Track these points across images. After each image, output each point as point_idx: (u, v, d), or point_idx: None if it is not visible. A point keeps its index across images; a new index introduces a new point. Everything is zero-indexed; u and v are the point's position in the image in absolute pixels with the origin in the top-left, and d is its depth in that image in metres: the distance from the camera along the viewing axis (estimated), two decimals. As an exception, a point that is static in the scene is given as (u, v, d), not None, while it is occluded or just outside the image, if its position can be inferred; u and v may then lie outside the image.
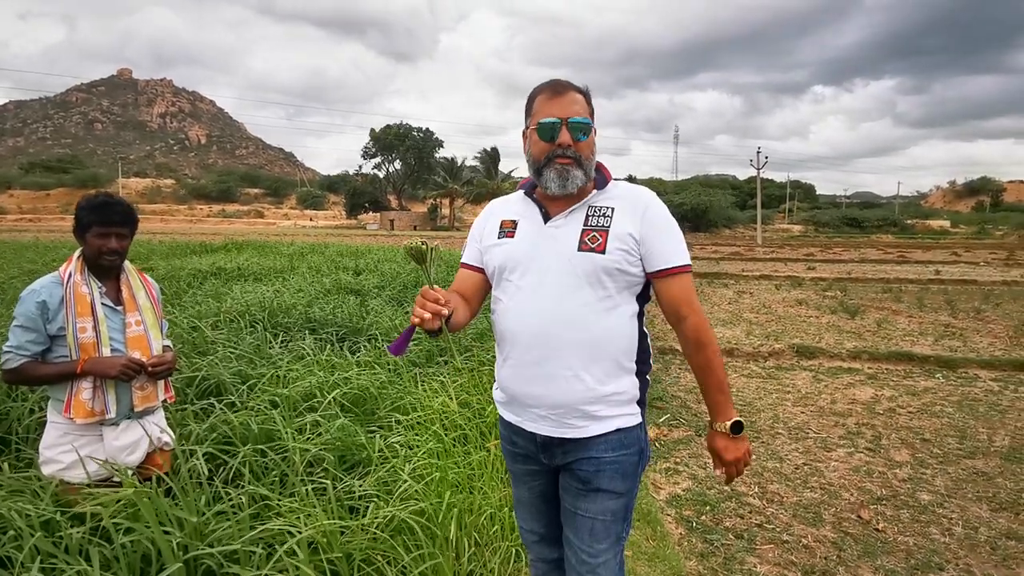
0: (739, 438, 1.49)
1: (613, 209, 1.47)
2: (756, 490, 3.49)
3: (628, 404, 1.52)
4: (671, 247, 1.47)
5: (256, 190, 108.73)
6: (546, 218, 1.51)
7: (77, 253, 2.03)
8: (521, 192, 1.61)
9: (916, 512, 3.19)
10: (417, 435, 2.63)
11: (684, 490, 3.50)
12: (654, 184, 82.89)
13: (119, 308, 2.05)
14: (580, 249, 1.44)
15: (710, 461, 3.89)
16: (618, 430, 1.50)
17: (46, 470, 1.94)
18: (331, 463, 2.28)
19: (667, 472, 3.76)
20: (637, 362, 1.52)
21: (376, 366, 3.70)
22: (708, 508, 3.26)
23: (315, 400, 2.94)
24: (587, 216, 1.48)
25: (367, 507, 2.03)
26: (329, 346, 4.24)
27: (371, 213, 67.79)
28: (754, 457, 3.95)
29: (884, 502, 3.30)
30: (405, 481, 2.13)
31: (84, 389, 1.91)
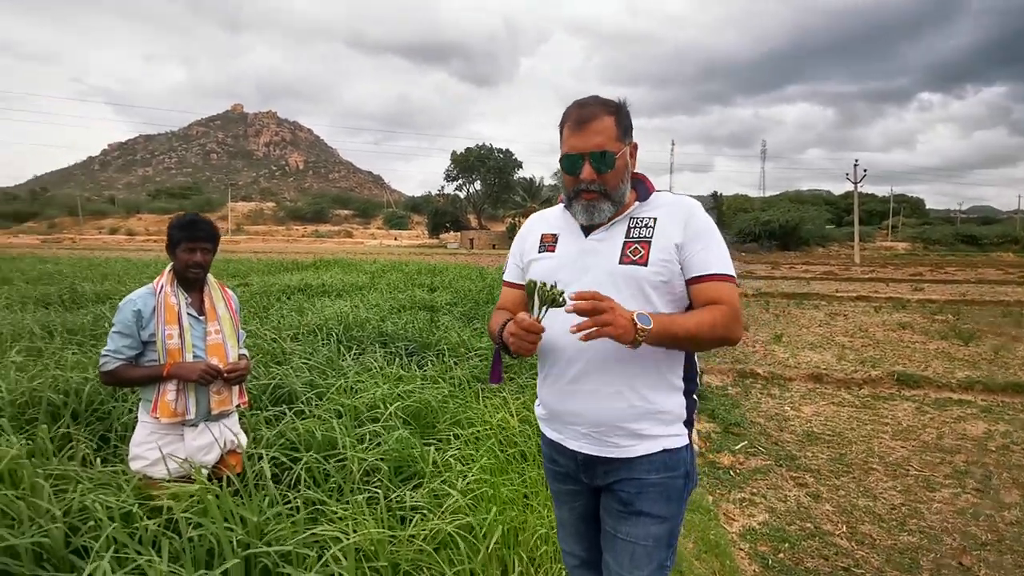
0: (628, 318, 1.22)
1: (656, 219, 1.43)
2: (844, 530, 3.20)
3: (674, 424, 1.45)
4: (712, 255, 1.40)
5: (346, 211, 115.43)
6: (587, 231, 1.48)
7: (168, 267, 2.23)
8: (561, 205, 1.58)
9: (1020, 557, 2.82)
10: (474, 450, 2.63)
11: (760, 523, 3.26)
12: (740, 201, 79.39)
13: (201, 318, 2.23)
14: (622, 262, 1.40)
15: (789, 494, 3.67)
16: (664, 451, 1.43)
17: (134, 465, 2.13)
18: (386, 474, 2.33)
19: (741, 503, 3.53)
20: (684, 379, 1.46)
21: (440, 380, 3.76)
22: (787, 545, 3.02)
23: (377, 411, 3.03)
24: (629, 228, 1.44)
25: (416, 519, 2.05)
26: (398, 359, 4.37)
27: (452, 232, 69.76)
28: (843, 493, 3.64)
29: (988, 547, 2.93)
30: (455, 496, 2.13)
31: (169, 391, 2.09)
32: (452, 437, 2.90)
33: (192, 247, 2.18)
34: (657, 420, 1.42)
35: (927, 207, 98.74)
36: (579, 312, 1.21)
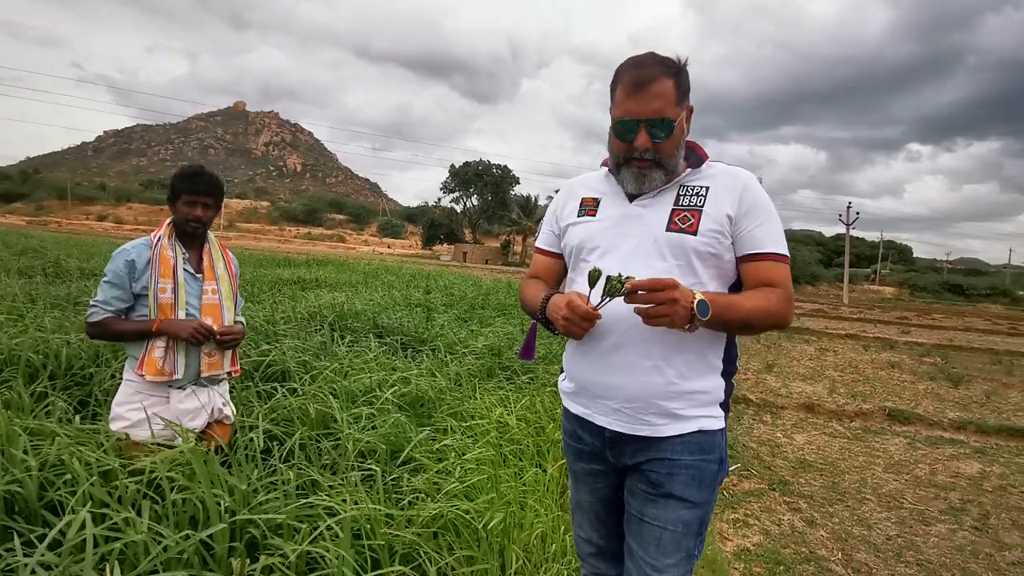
0: (688, 307, 1.15)
1: (708, 188, 1.34)
2: (839, 556, 3.12)
3: (711, 405, 1.37)
4: (768, 232, 1.31)
5: (340, 216, 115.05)
6: (632, 196, 1.40)
7: (168, 220, 2.13)
8: (604, 170, 1.49)
9: (1032, 601, 2.73)
10: (473, 440, 2.52)
11: (755, 544, 3.19)
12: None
13: (199, 275, 2.12)
14: (669, 229, 1.32)
15: (784, 518, 3.60)
16: (699, 431, 1.34)
17: (114, 426, 2.00)
18: (382, 455, 2.21)
19: (735, 523, 3.45)
20: (724, 360, 1.38)
21: (436, 374, 3.65)
22: (782, 568, 2.93)
23: (373, 395, 2.92)
24: (678, 195, 1.35)
25: (412, 502, 1.93)
26: (393, 352, 4.26)
27: (445, 245, 69.59)
28: (837, 521, 3.57)
29: (993, 587, 2.85)
30: (454, 482, 2.02)
31: (157, 347, 1.97)
32: (449, 429, 2.79)
33: (193, 200, 2.07)
34: (693, 400, 1.33)
35: (915, 255, 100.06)
36: (638, 301, 1.16)
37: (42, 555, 1.25)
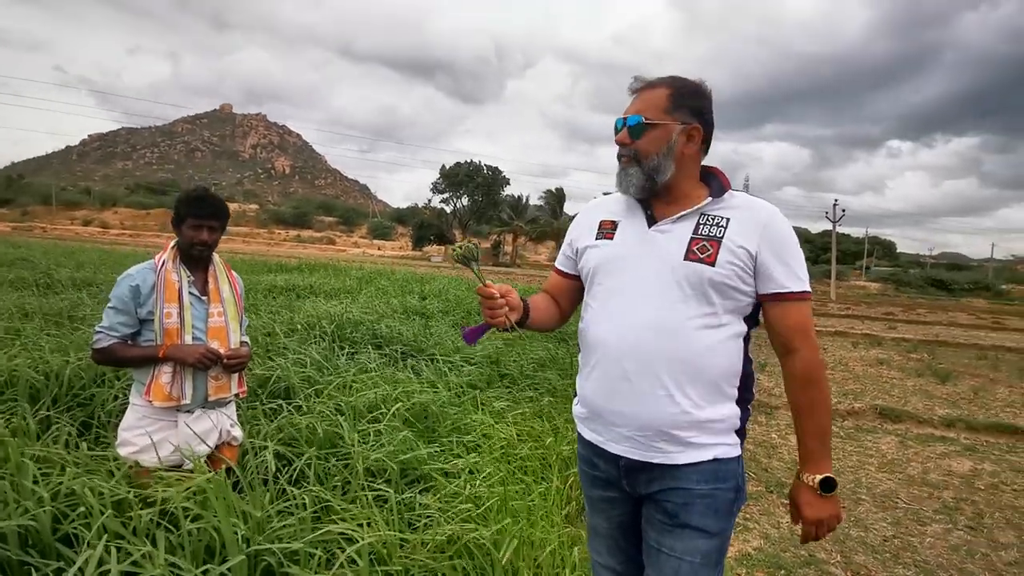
0: (828, 497, 1.36)
1: (728, 220, 1.34)
2: (838, 559, 3.17)
3: (727, 433, 1.37)
4: (790, 269, 1.32)
5: (330, 218, 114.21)
6: (651, 221, 1.40)
7: (173, 243, 2.13)
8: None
9: (1031, 602, 2.79)
10: (480, 455, 2.53)
11: (755, 549, 3.23)
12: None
13: (204, 298, 2.11)
14: (687, 258, 1.32)
15: (783, 520, 3.64)
16: (715, 460, 1.35)
17: (122, 451, 2.00)
18: (394, 474, 2.22)
19: (735, 528, 3.49)
20: (739, 388, 1.38)
21: (437, 385, 3.66)
22: (783, 573, 2.98)
23: (379, 411, 2.92)
24: (698, 224, 1.36)
25: (426, 524, 1.94)
26: (393, 362, 4.26)
27: (436, 246, 69.25)
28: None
29: (991, 588, 2.91)
30: (466, 503, 2.03)
31: (164, 373, 1.97)
32: (454, 443, 2.79)
33: (198, 224, 2.07)
34: (708, 429, 1.34)
35: (898, 250, 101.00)
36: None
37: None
